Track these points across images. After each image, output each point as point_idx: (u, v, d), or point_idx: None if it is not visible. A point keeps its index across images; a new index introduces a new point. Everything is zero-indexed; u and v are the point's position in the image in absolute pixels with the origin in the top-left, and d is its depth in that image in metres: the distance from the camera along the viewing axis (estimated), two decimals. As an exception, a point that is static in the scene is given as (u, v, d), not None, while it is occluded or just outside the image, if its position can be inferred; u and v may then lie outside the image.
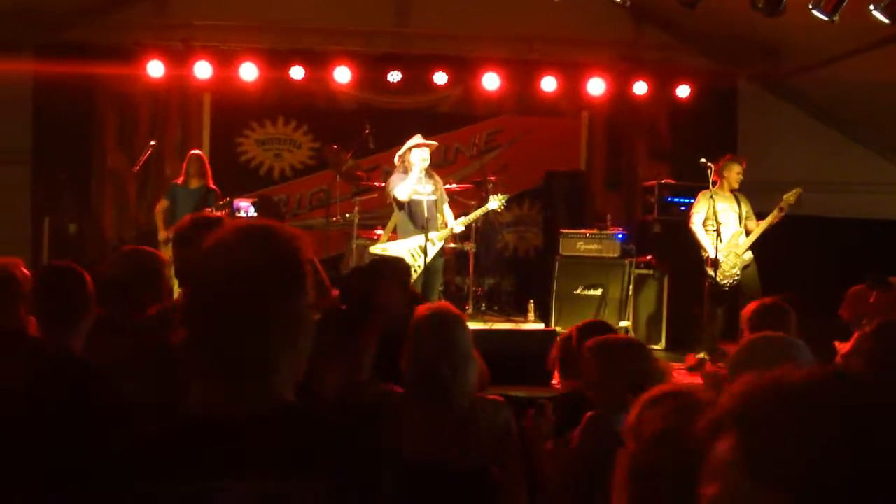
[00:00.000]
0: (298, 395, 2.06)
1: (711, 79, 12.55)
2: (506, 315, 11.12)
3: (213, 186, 10.54)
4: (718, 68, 12.68)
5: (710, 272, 9.57)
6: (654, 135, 12.99)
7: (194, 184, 10.49)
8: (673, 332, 10.69)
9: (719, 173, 9.77)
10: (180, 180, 10.59)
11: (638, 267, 10.84)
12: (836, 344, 6.44)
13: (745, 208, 9.83)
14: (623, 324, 10.38)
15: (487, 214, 9.90)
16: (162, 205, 10.62)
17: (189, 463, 1.90)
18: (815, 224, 12.00)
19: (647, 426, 2.14)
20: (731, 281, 9.61)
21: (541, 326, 10.45)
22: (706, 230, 9.66)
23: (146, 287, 4.46)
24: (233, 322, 2.00)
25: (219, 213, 9.66)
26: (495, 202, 9.56)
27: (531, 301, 11.00)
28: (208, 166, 10.69)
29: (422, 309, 4.10)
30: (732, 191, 9.80)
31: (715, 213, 9.56)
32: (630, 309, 10.66)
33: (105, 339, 4.23)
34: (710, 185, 9.63)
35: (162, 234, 10.29)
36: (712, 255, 9.53)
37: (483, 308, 11.24)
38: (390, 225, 10.08)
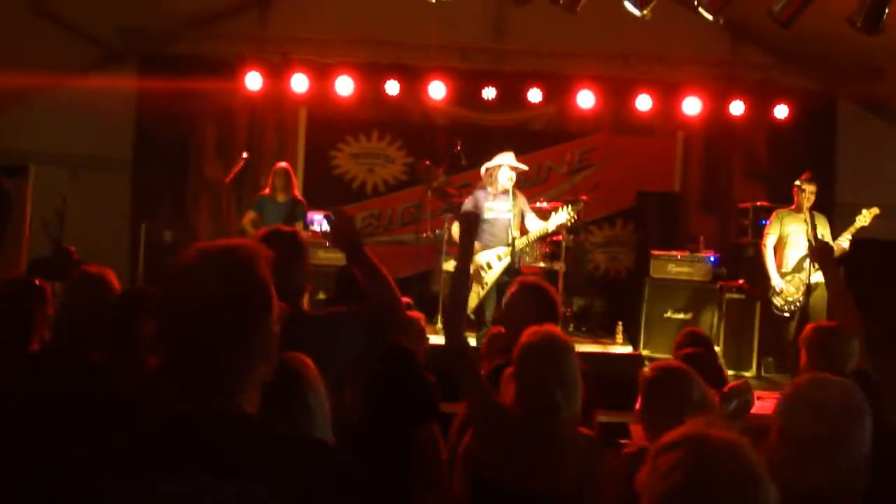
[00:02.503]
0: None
1: (811, 99, 12.28)
2: (594, 337, 11.02)
3: (300, 198, 10.60)
4: (818, 88, 12.41)
5: (773, 299, 9.63)
6: (751, 156, 12.74)
7: (281, 197, 10.49)
8: (765, 358, 10.45)
9: (797, 190, 9.69)
10: (267, 192, 10.63)
11: (730, 291, 10.63)
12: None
13: (821, 231, 9.55)
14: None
15: (578, 235, 9.81)
16: (249, 216, 10.64)
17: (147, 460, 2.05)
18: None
19: (655, 483, 2.08)
20: (793, 307, 9.50)
21: (628, 350, 10.34)
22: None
23: None
24: (201, 347, 2.12)
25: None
26: (564, 214, 9.36)
27: (620, 323, 10.89)
28: (294, 178, 10.72)
29: (530, 334, 4.00)
30: (810, 211, 9.58)
31: (783, 235, 9.49)
32: (721, 334, 10.44)
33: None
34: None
35: None
36: (773, 282, 9.58)
37: (571, 329, 11.17)
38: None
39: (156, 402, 2.19)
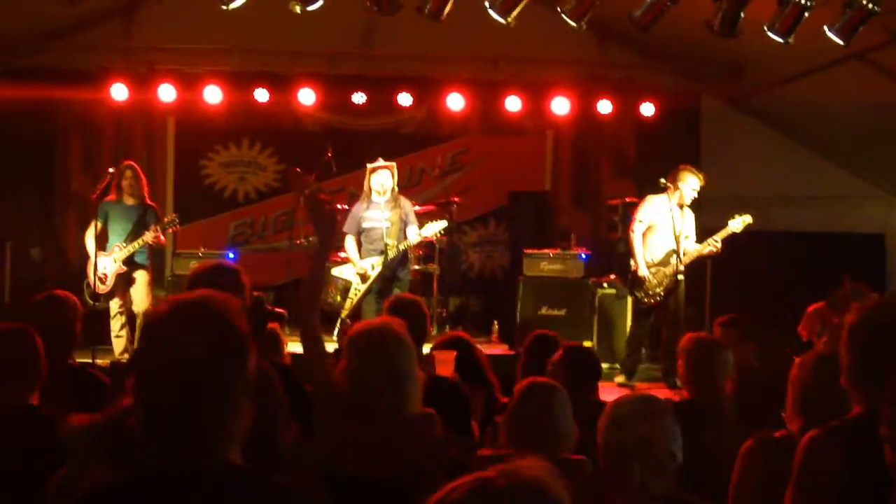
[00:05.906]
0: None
1: (675, 96, 12.54)
2: (470, 336, 11.07)
3: (152, 203, 9.86)
4: (682, 86, 12.71)
5: (635, 291, 9.48)
6: (619, 153, 13.00)
7: (129, 200, 9.64)
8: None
9: (675, 183, 9.25)
10: (112, 197, 9.63)
11: (602, 287, 10.80)
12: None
13: (686, 228, 9.35)
14: (586, 344, 10.31)
15: (451, 236, 9.87)
16: (92, 228, 9.41)
17: None
18: (782, 238, 12.05)
19: None
20: (653, 301, 9.37)
21: (504, 348, 10.44)
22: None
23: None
24: (182, 400, 2.11)
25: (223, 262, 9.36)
26: (436, 226, 9.41)
27: (495, 322, 10.98)
28: (144, 180, 9.82)
29: (358, 325, 4.15)
30: (681, 205, 9.32)
31: (653, 224, 9.29)
32: (594, 329, 10.61)
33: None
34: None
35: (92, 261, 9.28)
36: (640, 272, 9.32)
37: (447, 329, 11.18)
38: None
39: (135, 460, 2.17)
